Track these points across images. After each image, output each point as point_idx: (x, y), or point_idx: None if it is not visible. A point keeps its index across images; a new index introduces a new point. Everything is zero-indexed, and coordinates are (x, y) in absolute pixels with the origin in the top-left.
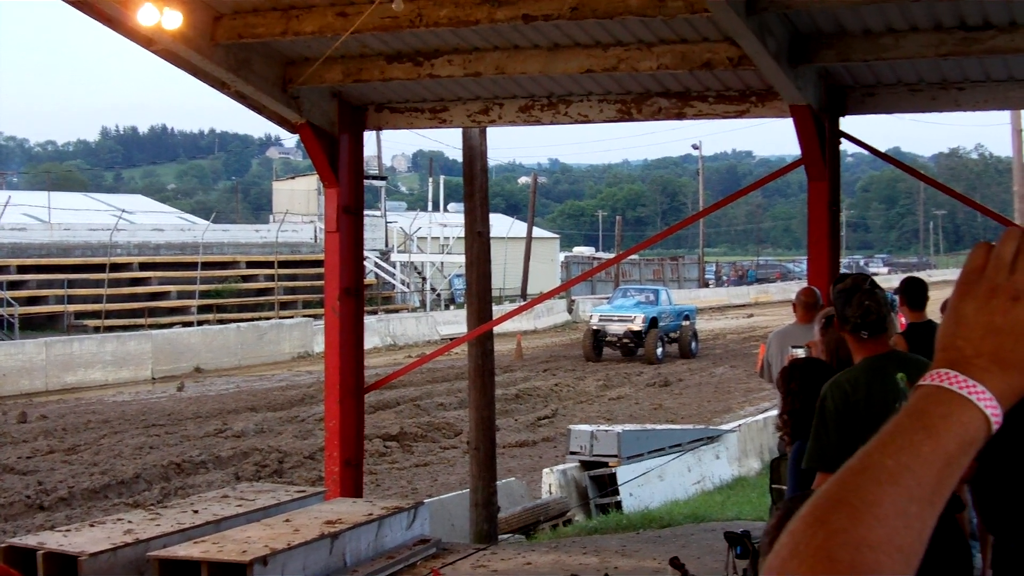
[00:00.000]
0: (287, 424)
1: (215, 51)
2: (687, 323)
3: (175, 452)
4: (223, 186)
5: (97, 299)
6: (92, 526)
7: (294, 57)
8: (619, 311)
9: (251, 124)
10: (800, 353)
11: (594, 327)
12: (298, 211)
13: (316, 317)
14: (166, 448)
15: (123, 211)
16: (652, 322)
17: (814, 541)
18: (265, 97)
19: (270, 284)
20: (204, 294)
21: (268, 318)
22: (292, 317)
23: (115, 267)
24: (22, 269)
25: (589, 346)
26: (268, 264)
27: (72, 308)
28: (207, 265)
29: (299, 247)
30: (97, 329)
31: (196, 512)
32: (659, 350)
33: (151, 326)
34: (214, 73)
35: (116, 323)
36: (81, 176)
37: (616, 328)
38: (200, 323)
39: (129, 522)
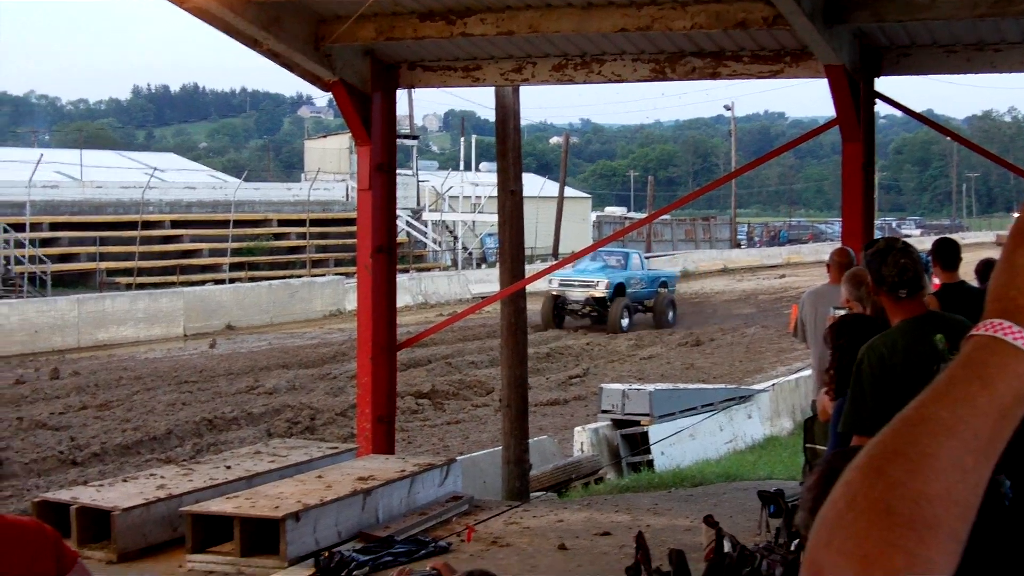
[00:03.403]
0: (319, 381)
1: (247, 8)
2: (664, 291)
3: (207, 408)
4: (254, 145)
5: (129, 256)
6: (125, 481)
7: (326, 15)
8: (581, 275)
9: (282, 83)
10: (841, 314)
11: (553, 292)
12: (330, 169)
13: (348, 275)
14: (198, 404)
15: (155, 169)
16: (618, 289)
17: (872, 493)
18: (297, 55)
19: (302, 242)
20: (236, 252)
21: (300, 276)
22: (324, 275)
23: (147, 225)
24: (54, 226)
25: (548, 313)
26: (300, 222)
27: (104, 265)
28: (239, 223)
29: (331, 205)
30: (129, 286)
31: (229, 468)
32: (624, 320)
33: (183, 283)
34: (246, 31)
35: (148, 280)
36: (113, 135)
37: (577, 294)
38: (232, 281)
39: (162, 477)
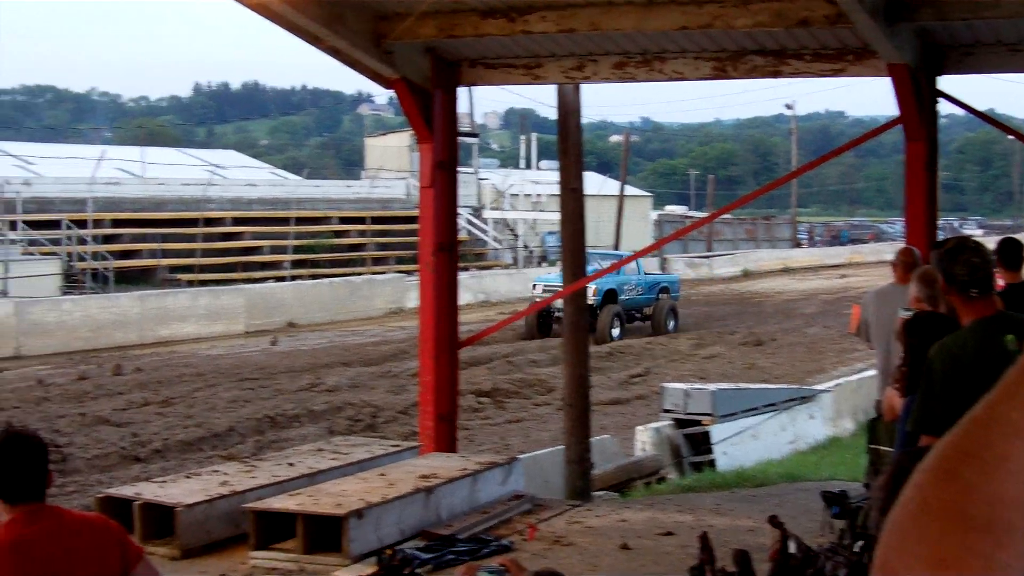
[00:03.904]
0: (380, 379)
1: (309, 5)
2: (664, 297)
3: (269, 406)
4: (315, 142)
5: (190, 253)
6: (188, 477)
7: (387, 12)
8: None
9: (342, 81)
10: (912, 314)
11: (537, 299)
12: (390, 167)
13: (408, 273)
14: (260, 402)
15: (216, 166)
16: (608, 295)
17: (945, 496)
18: (359, 52)
19: (362, 240)
20: (297, 249)
21: (360, 274)
22: (384, 273)
23: (208, 221)
24: (116, 223)
25: (533, 321)
26: (360, 220)
27: (166, 262)
28: (300, 220)
29: (391, 203)
30: (191, 283)
31: (291, 465)
32: (615, 329)
33: (244, 280)
34: (308, 28)
35: (209, 277)
36: (173, 132)
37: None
38: (293, 278)
39: (225, 474)
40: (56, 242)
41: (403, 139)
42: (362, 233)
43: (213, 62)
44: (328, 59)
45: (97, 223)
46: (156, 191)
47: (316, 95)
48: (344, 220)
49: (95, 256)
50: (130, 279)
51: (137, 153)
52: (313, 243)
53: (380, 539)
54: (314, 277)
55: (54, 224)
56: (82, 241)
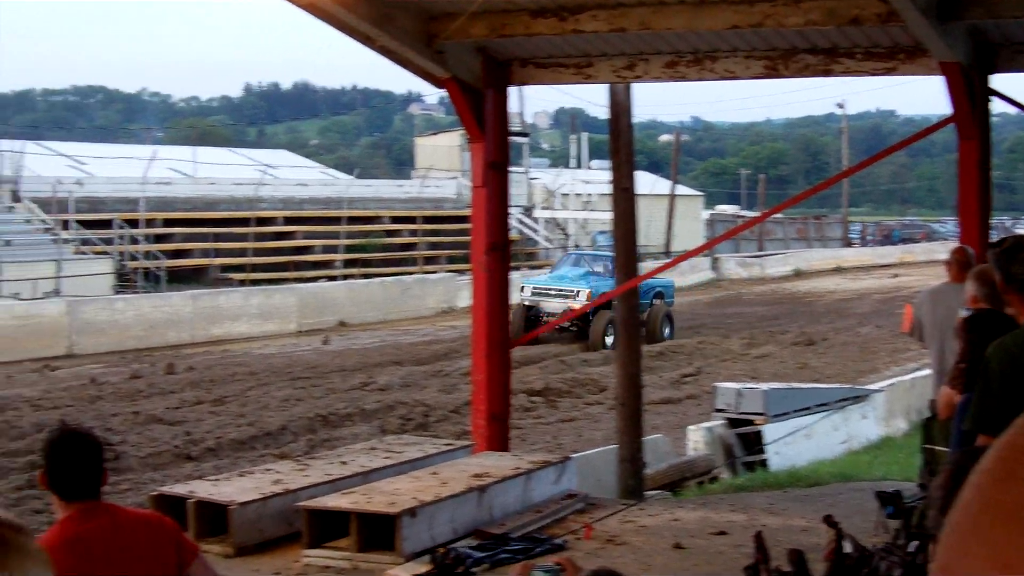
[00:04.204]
0: (431, 378)
1: (359, 5)
2: (658, 303)
3: (321, 404)
4: (365, 142)
5: (242, 253)
6: (241, 476)
7: (437, 12)
8: (559, 283)
9: (392, 80)
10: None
11: (526, 303)
12: (441, 167)
13: (460, 272)
14: (312, 400)
15: (267, 166)
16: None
17: (1007, 498)
18: (410, 52)
19: (413, 239)
20: (348, 248)
21: (412, 273)
22: (436, 272)
23: (260, 221)
24: (168, 222)
25: (519, 327)
26: (411, 219)
27: (218, 261)
28: (351, 220)
29: (442, 203)
30: (242, 282)
31: (344, 464)
32: (610, 337)
33: (295, 280)
34: (359, 27)
35: (261, 276)
36: (224, 131)
37: (553, 306)
38: (344, 277)
39: (278, 472)
40: (108, 241)
41: (453, 139)
42: (413, 232)
43: (263, 62)
44: (378, 59)
45: (149, 223)
46: (208, 191)
47: (366, 95)
48: (395, 220)
49: (147, 255)
50: (182, 278)
51: (188, 153)
52: (365, 243)
53: (433, 538)
54: (366, 276)
55: (106, 224)
56: (134, 240)
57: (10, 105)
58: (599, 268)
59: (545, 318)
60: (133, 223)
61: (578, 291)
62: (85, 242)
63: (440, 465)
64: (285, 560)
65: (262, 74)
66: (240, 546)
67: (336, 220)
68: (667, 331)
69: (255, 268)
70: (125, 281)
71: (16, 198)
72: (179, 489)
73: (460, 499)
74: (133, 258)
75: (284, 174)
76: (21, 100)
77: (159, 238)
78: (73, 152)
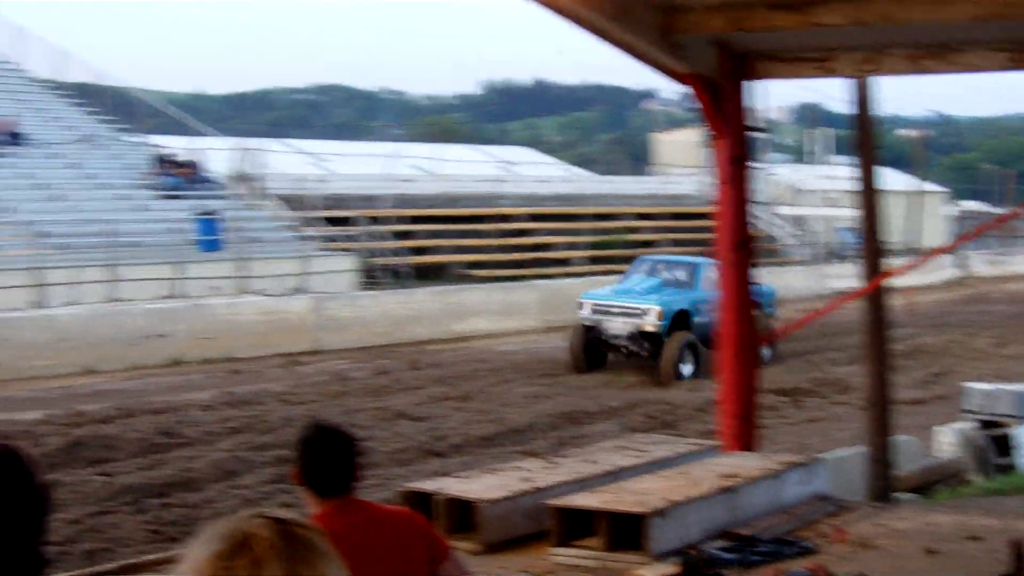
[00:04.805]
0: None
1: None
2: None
3: (565, 402)
4: (603, 138)
5: (484, 249)
6: (489, 473)
7: (675, 5)
8: (625, 298)
9: (628, 76)
10: None
11: (586, 323)
12: (679, 163)
13: None
14: (556, 397)
15: (507, 162)
16: (678, 319)
17: None
18: (648, 46)
19: (655, 236)
20: (590, 245)
21: None
22: None
23: (502, 218)
24: (411, 219)
25: (578, 350)
26: (652, 216)
27: (460, 258)
28: (592, 216)
29: (683, 199)
30: (484, 279)
31: (593, 462)
32: (687, 365)
33: (537, 277)
34: (596, 22)
35: (502, 273)
36: (464, 128)
37: (618, 326)
38: (586, 274)
39: (527, 470)
40: (351, 238)
41: (692, 134)
42: (653, 229)
43: (500, 59)
44: (614, 54)
45: (392, 219)
46: (450, 187)
47: (603, 91)
48: (636, 216)
49: (390, 252)
50: (425, 275)
51: (429, 150)
52: (606, 239)
53: (682, 538)
54: (607, 273)
55: (348, 221)
56: (377, 237)
57: (253, 104)
58: (676, 277)
59: (609, 339)
60: (375, 220)
61: (647, 308)
62: (329, 239)
63: (689, 464)
64: (533, 558)
65: (500, 71)
66: (488, 543)
67: (577, 217)
68: (766, 352)
69: (497, 265)
70: (370, 277)
71: (262, 195)
72: (427, 485)
73: (709, 500)
74: (376, 255)
75: (525, 171)
76: (263, 99)
77: (402, 235)
78: (315, 150)
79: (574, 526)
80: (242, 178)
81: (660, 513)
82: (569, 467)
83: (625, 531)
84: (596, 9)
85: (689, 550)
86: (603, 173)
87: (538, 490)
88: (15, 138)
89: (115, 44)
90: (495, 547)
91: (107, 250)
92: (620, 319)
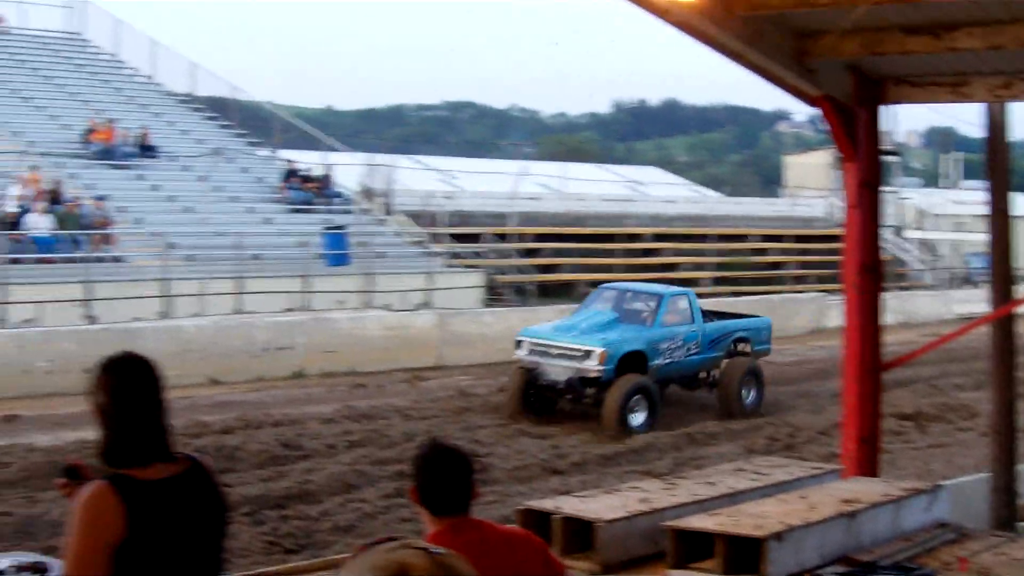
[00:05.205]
0: (799, 399)
1: (731, 22)
2: (743, 350)
3: (687, 422)
4: (733, 159)
5: (610, 268)
6: (608, 493)
7: (808, 29)
8: (565, 337)
9: (759, 98)
10: None
11: (524, 365)
12: (809, 185)
13: (829, 292)
14: (679, 417)
15: (635, 182)
16: (628, 361)
17: None
18: (780, 69)
19: (782, 258)
20: (717, 266)
21: (780, 292)
22: (805, 291)
23: (629, 237)
24: (538, 237)
25: (516, 396)
26: (779, 238)
27: (586, 276)
28: (719, 237)
29: (811, 221)
30: None
31: (712, 484)
32: (638, 415)
33: None
34: (729, 44)
35: None
36: (593, 148)
37: (556, 369)
38: (713, 295)
39: (645, 491)
40: (478, 255)
41: (823, 157)
42: (782, 251)
43: (631, 79)
44: (745, 76)
45: (518, 237)
46: (576, 206)
47: (734, 112)
48: (764, 238)
49: (516, 269)
50: (550, 292)
51: (557, 168)
52: (732, 260)
53: (800, 563)
54: (734, 294)
55: (475, 237)
56: (503, 254)
57: (383, 120)
58: (640, 309)
59: (546, 382)
60: (502, 237)
61: (588, 350)
62: (455, 255)
63: (808, 488)
64: None
65: (630, 91)
66: (605, 563)
67: (704, 237)
68: (751, 396)
69: None
70: (495, 294)
71: (389, 211)
72: (546, 504)
73: (828, 524)
74: (502, 272)
75: (653, 191)
76: (394, 115)
77: (528, 252)
78: (444, 166)
79: (691, 548)
80: (371, 193)
81: (778, 537)
82: (687, 489)
83: (742, 555)
84: (732, 32)
85: (806, 574)
86: (732, 194)
87: (656, 511)
88: (147, 150)
89: (247, 59)
90: (612, 568)
91: (234, 262)
92: (559, 361)
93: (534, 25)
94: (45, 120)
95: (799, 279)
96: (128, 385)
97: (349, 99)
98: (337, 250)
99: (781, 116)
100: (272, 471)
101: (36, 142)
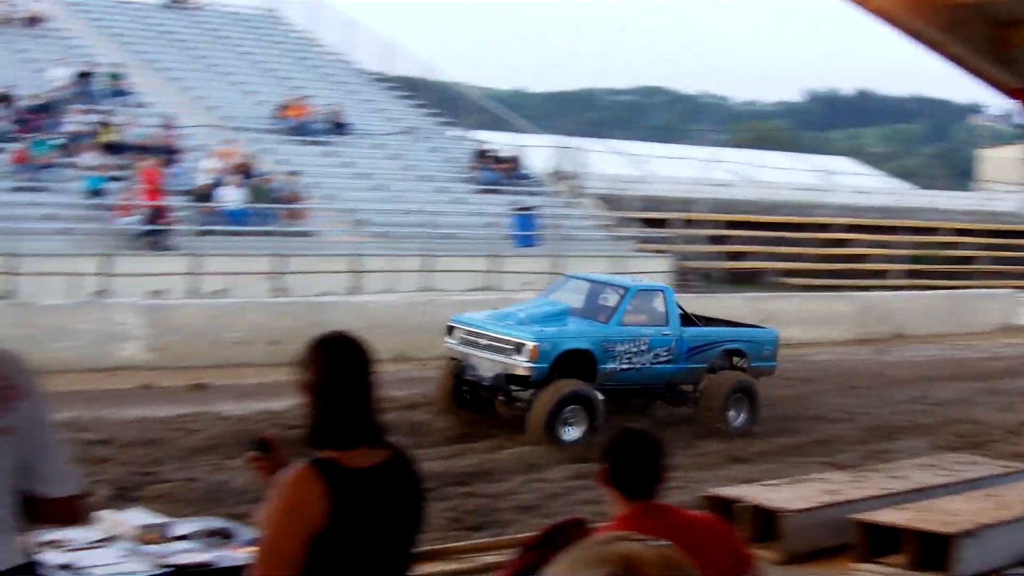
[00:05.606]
0: (987, 395)
1: (929, 11)
2: (739, 364)
3: (875, 415)
4: (926, 151)
5: (799, 258)
6: (794, 483)
7: (1007, 19)
8: (498, 327)
9: (953, 89)
10: None
11: (452, 350)
12: (1003, 180)
13: (1020, 289)
14: (866, 411)
15: (827, 172)
16: (568, 359)
17: None
18: (978, 59)
19: (973, 252)
20: (908, 259)
21: (971, 287)
22: (996, 288)
23: (819, 227)
24: (728, 224)
25: (446, 389)
26: (971, 232)
27: (775, 265)
28: (911, 229)
29: (1004, 216)
30: (798, 287)
31: (899, 478)
32: (572, 428)
33: (851, 288)
34: (927, 33)
35: (817, 283)
36: (784, 136)
37: (485, 364)
38: (904, 287)
39: (832, 482)
40: (666, 240)
41: (1018, 151)
42: (974, 245)
43: (824, 68)
44: (939, 67)
45: (708, 223)
46: (767, 194)
47: (927, 104)
48: (956, 232)
49: (705, 256)
50: (740, 280)
51: (747, 156)
52: (923, 253)
53: (989, 561)
54: (926, 288)
55: (663, 223)
56: (692, 241)
57: (574, 103)
58: (601, 303)
59: (472, 379)
60: (691, 223)
61: (519, 343)
62: (644, 240)
63: (997, 487)
64: (835, 571)
65: (823, 79)
66: (791, 553)
67: (895, 229)
68: (740, 417)
69: (812, 274)
70: (683, 280)
71: (579, 194)
72: (730, 491)
73: (1019, 523)
74: (690, 258)
75: (844, 181)
76: (584, 99)
77: (717, 239)
78: (633, 151)
79: (878, 542)
80: (560, 176)
81: (968, 534)
82: (875, 482)
83: (930, 550)
84: (930, 22)
85: (992, 572)
86: (924, 187)
87: (844, 503)
88: (340, 127)
89: (441, 40)
90: (797, 558)
91: (424, 240)
92: (487, 354)
93: (728, 12)
94: (239, 95)
95: (990, 275)
96: (340, 364)
97: (540, 82)
98: (526, 231)
99: (974, 109)
100: (456, 448)
101: (230, 116)
